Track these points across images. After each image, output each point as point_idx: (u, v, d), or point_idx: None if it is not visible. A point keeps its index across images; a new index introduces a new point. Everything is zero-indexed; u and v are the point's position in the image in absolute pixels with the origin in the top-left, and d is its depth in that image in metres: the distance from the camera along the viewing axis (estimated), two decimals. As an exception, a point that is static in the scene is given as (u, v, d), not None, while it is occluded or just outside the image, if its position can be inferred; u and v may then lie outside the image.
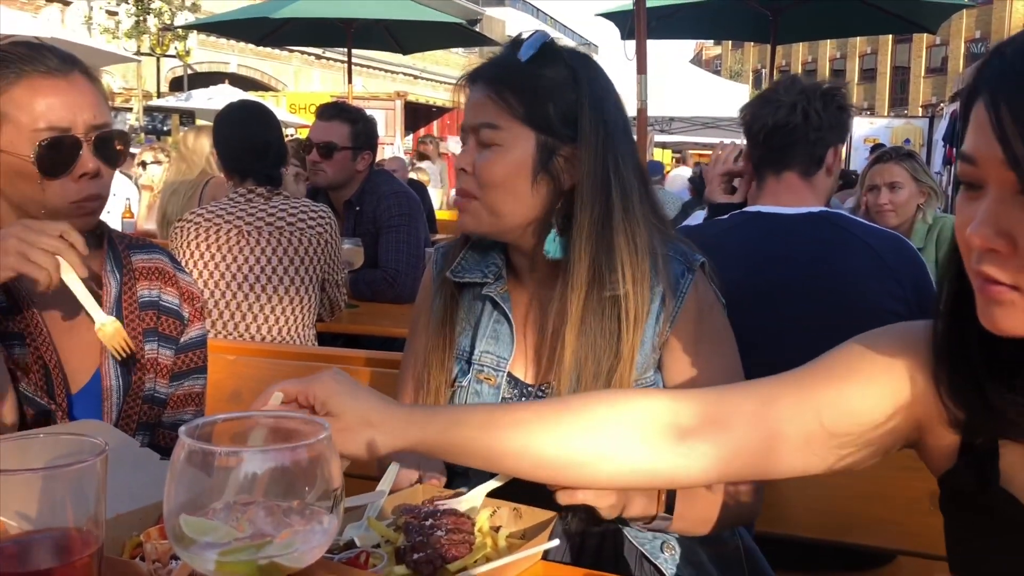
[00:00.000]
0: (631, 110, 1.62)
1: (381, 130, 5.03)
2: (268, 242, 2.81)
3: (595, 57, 1.60)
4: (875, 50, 51.50)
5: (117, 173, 1.56)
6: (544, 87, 1.40)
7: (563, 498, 1.15)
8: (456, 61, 37.53)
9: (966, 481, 0.98)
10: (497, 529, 1.16)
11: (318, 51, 30.06)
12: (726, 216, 2.26)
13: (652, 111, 5.40)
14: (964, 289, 0.91)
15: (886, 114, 38.26)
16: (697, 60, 56.76)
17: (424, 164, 10.93)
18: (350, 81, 9.44)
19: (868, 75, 52.51)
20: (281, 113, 14.46)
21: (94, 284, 1.55)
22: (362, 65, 28.96)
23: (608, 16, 7.66)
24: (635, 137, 1.54)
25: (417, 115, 18.94)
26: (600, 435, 1.06)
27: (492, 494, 1.20)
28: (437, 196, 9.81)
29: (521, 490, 1.15)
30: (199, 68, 25.56)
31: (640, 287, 1.38)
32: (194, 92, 17.79)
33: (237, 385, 2.19)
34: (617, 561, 1.38)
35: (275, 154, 2.99)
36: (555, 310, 1.41)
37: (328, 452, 0.76)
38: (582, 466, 1.07)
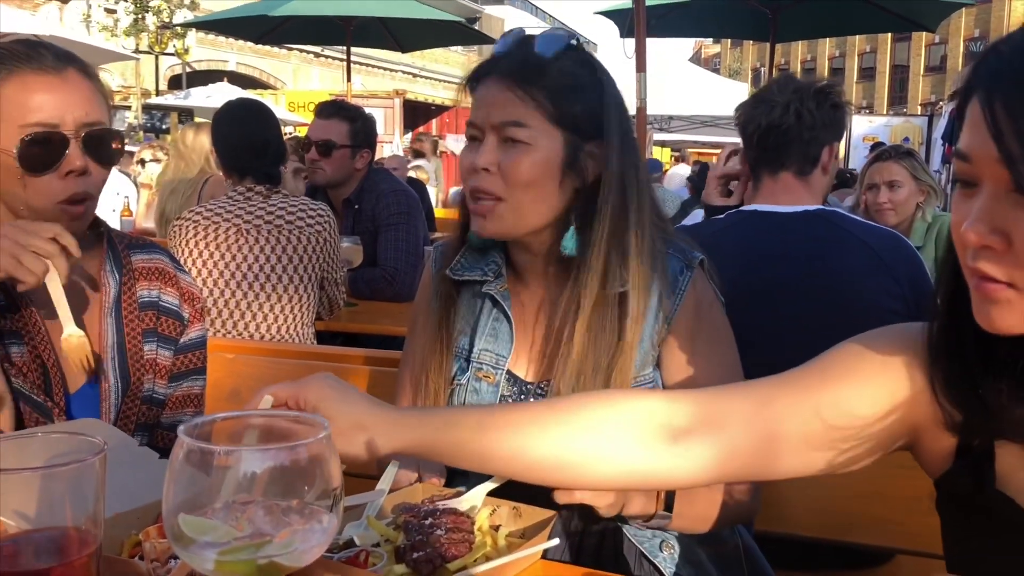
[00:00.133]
0: (630, 108, 1.62)
1: (380, 128, 5.02)
2: (267, 240, 2.81)
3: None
4: (874, 48, 51.50)
5: (116, 171, 1.55)
6: (570, 85, 1.40)
7: (561, 498, 1.15)
8: (455, 59, 37.51)
9: (962, 483, 0.98)
10: (497, 528, 1.16)
11: (317, 49, 30.05)
12: (722, 215, 2.26)
13: (651, 109, 5.40)
14: (960, 288, 0.91)
15: (885, 112, 38.30)
16: (696, 58, 56.76)
17: (420, 162, 10.92)
18: (349, 79, 9.44)
19: (867, 73, 52.52)
20: (280, 111, 14.44)
21: (89, 285, 1.55)
22: (361, 63, 28.95)
23: (607, 14, 7.67)
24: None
25: (416, 113, 18.92)
26: (594, 437, 1.05)
27: (491, 494, 1.20)
28: (433, 194, 9.80)
29: (521, 489, 1.15)
30: (198, 66, 25.53)
31: (642, 284, 1.39)
32: (193, 90, 17.78)
33: (236, 384, 2.19)
34: (617, 560, 1.38)
35: (274, 152, 2.99)
36: (564, 307, 1.41)
37: (327, 451, 0.76)
38: (575, 467, 1.07)
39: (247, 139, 2.95)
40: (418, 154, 11.75)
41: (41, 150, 1.40)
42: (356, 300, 3.48)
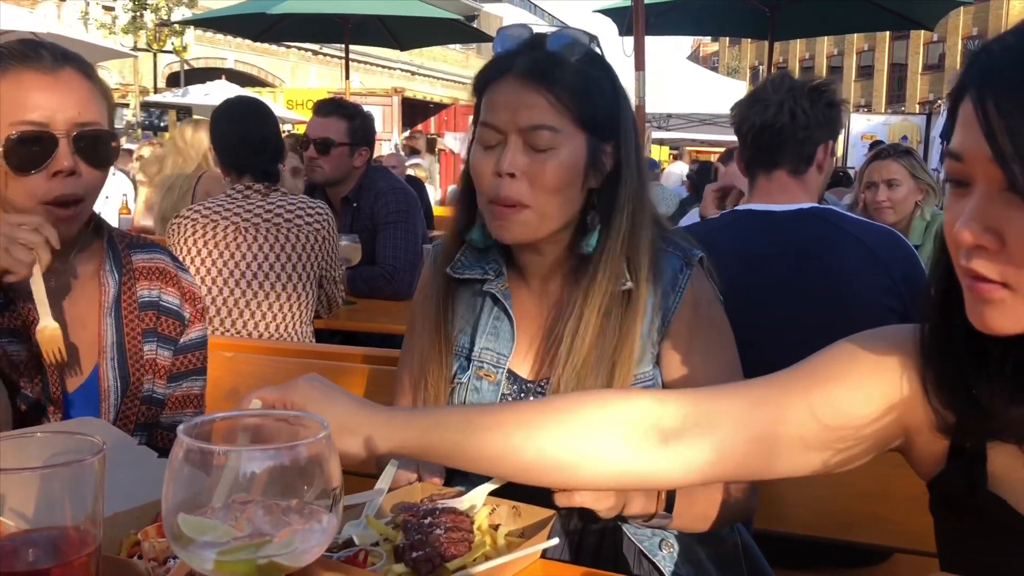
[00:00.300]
0: (629, 107, 1.64)
1: (378, 126, 5.02)
2: (265, 239, 2.80)
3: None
4: (872, 47, 51.52)
5: (114, 169, 1.55)
6: (590, 87, 1.39)
7: (561, 500, 1.15)
8: (453, 57, 37.49)
9: (955, 485, 0.98)
10: (496, 527, 1.16)
11: (315, 47, 30.04)
12: (717, 215, 2.27)
13: (649, 108, 5.40)
14: (953, 288, 0.91)
15: (883, 111, 38.30)
16: (694, 56, 56.75)
17: (419, 160, 10.91)
18: (347, 77, 9.44)
19: (865, 72, 52.53)
20: (278, 109, 14.42)
21: (88, 284, 1.54)
22: (359, 61, 28.93)
23: (606, 12, 7.66)
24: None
25: (414, 111, 18.90)
26: (584, 439, 1.05)
27: (492, 494, 1.20)
28: (430, 192, 9.79)
29: (521, 489, 1.15)
30: (196, 64, 25.52)
31: (645, 281, 1.39)
32: (191, 88, 17.76)
33: (235, 382, 2.19)
34: (616, 559, 1.38)
35: (272, 150, 2.98)
36: (571, 305, 1.40)
37: (327, 451, 0.76)
38: (566, 469, 1.06)
39: (246, 137, 2.94)
40: (413, 151, 11.74)
41: (28, 149, 1.38)
42: (355, 298, 3.48)
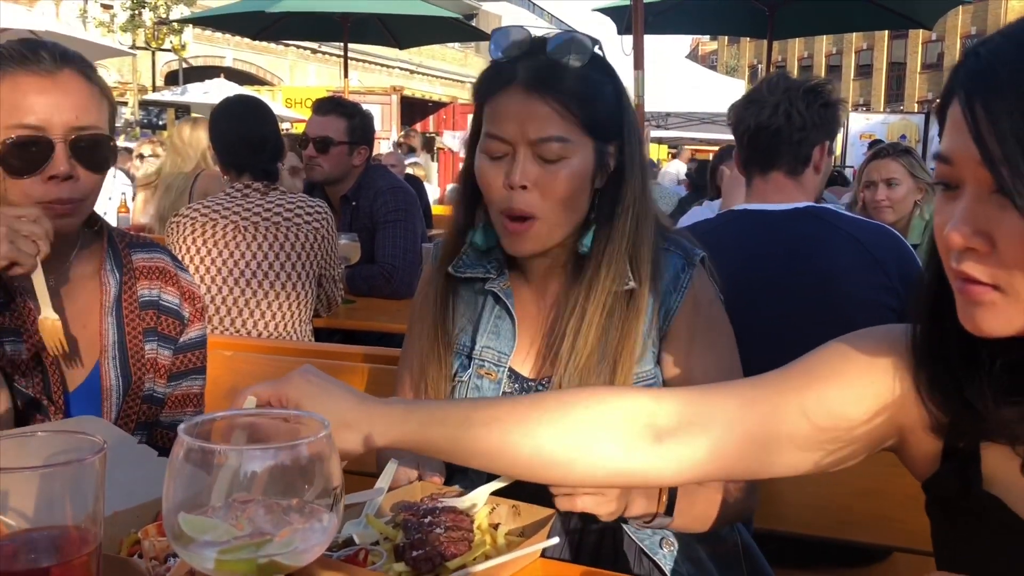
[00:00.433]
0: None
1: (377, 125, 5.01)
2: (264, 237, 2.80)
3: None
4: (871, 46, 51.50)
5: (114, 170, 1.54)
6: (595, 91, 1.39)
7: (562, 504, 1.15)
8: (452, 56, 37.49)
9: (950, 485, 0.98)
10: (496, 527, 1.16)
11: (314, 45, 30.00)
12: (713, 216, 2.27)
13: (648, 106, 5.39)
14: (943, 290, 0.91)
15: (882, 110, 38.32)
16: (693, 55, 56.73)
17: (418, 158, 10.91)
18: (346, 75, 9.43)
19: (864, 71, 52.52)
20: (277, 108, 14.37)
21: (88, 284, 1.54)
22: (358, 59, 28.91)
23: (605, 11, 7.66)
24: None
25: (413, 110, 18.90)
26: (575, 436, 1.05)
27: (495, 494, 1.20)
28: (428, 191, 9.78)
29: (521, 489, 1.15)
30: (194, 62, 25.50)
31: (647, 281, 1.39)
32: (189, 86, 17.74)
33: (234, 381, 2.19)
34: (616, 557, 1.38)
35: (272, 149, 2.98)
36: (573, 304, 1.40)
37: (328, 450, 0.76)
38: (558, 466, 1.06)
39: (245, 136, 2.94)
40: (409, 149, 11.74)
41: (24, 153, 1.38)
42: (354, 297, 3.48)
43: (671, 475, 1.06)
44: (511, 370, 1.47)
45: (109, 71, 20.90)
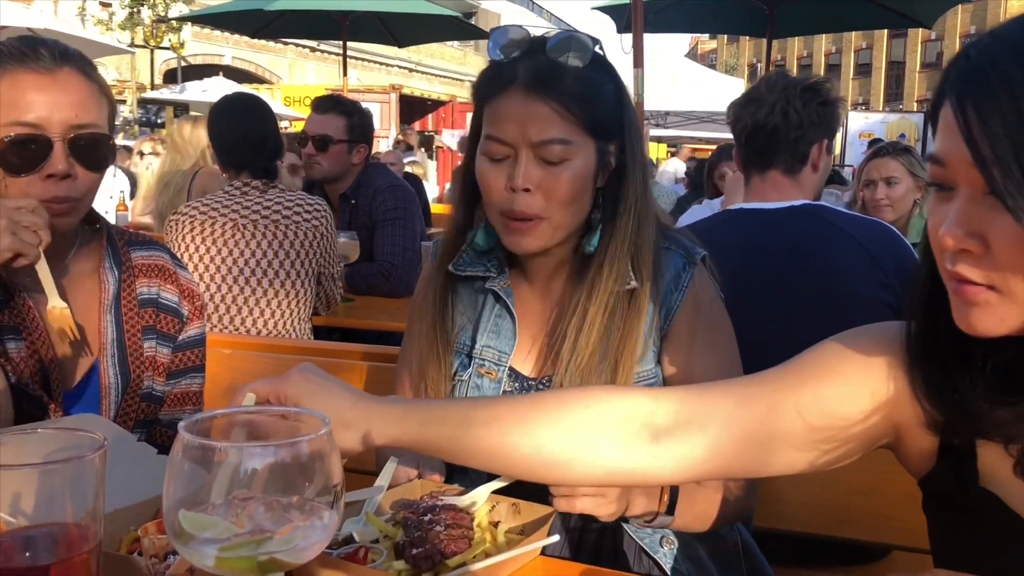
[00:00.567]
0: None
1: (376, 123, 5.01)
2: (263, 235, 2.80)
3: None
4: (870, 45, 51.48)
5: (114, 169, 1.54)
6: (596, 92, 1.39)
7: (561, 506, 1.15)
8: (451, 54, 37.47)
9: (946, 483, 0.98)
10: (496, 524, 1.16)
11: (313, 44, 29.98)
12: (710, 215, 2.28)
13: (647, 105, 5.39)
14: (937, 290, 0.91)
15: (881, 109, 38.34)
16: (692, 54, 56.71)
17: (417, 157, 10.91)
18: (345, 74, 9.43)
19: (863, 70, 52.51)
20: (276, 106, 14.36)
21: (87, 281, 1.54)
22: (357, 58, 28.91)
23: (604, 9, 7.66)
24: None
25: (412, 108, 18.91)
26: (574, 436, 1.05)
27: (495, 493, 1.20)
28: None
29: (521, 487, 1.15)
30: (193, 60, 25.48)
31: (648, 280, 1.39)
32: (188, 84, 17.73)
33: (233, 379, 2.18)
34: (616, 556, 1.39)
35: (271, 147, 2.98)
36: (575, 303, 1.40)
37: (328, 447, 0.76)
38: (555, 466, 1.06)
39: (244, 134, 2.94)
40: (407, 147, 11.75)
41: (23, 151, 1.37)
42: (353, 295, 3.48)
43: (669, 474, 1.07)
44: (511, 369, 1.47)
45: (108, 69, 20.88)
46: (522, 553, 1.09)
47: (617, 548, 1.39)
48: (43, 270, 1.37)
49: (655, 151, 18.89)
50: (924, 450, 1.01)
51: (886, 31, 45.15)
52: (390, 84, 18.72)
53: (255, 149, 2.91)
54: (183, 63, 22.21)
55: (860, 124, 17.01)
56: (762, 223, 2.13)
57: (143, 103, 20.45)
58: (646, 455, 1.04)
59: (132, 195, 6.10)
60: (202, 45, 26.35)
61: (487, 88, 1.41)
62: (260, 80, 27.95)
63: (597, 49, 1.40)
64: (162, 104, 19.44)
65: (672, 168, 12.34)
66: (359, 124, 3.69)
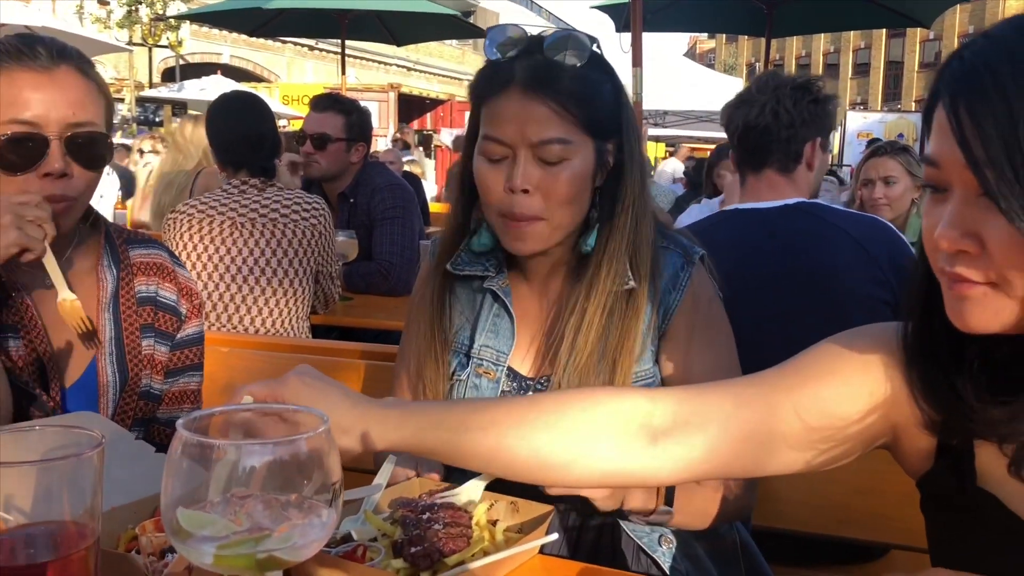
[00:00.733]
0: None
1: (375, 122, 5.00)
2: (262, 234, 2.80)
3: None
4: (869, 44, 51.51)
5: (108, 168, 1.54)
6: (594, 90, 1.38)
7: (555, 489, 1.15)
8: (450, 53, 37.46)
9: (944, 483, 0.98)
10: (494, 523, 1.16)
11: (311, 42, 29.98)
12: (705, 216, 2.28)
13: (646, 104, 5.39)
14: (933, 290, 0.91)
15: (880, 108, 38.37)
16: (691, 53, 56.70)
17: (415, 156, 10.91)
18: (343, 72, 9.41)
19: (862, 69, 52.55)
20: (274, 104, 14.39)
21: (85, 279, 1.54)
22: (356, 57, 28.89)
23: (603, 8, 7.66)
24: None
25: (411, 107, 18.90)
26: (572, 439, 1.05)
27: (488, 488, 1.20)
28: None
29: (518, 484, 1.14)
30: (191, 59, 25.48)
31: (647, 280, 1.39)
32: (186, 83, 17.71)
33: (231, 378, 2.18)
34: (614, 554, 1.38)
35: (269, 145, 2.97)
36: (573, 303, 1.40)
37: (327, 445, 0.75)
38: (553, 469, 1.06)
39: (242, 132, 2.94)
40: (404, 145, 11.74)
41: (19, 150, 1.37)
42: (351, 294, 3.48)
43: (667, 475, 1.07)
44: (510, 369, 1.47)
45: (105, 67, 20.86)
46: (520, 551, 1.09)
47: (615, 547, 1.39)
48: (51, 264, 1.37)
49: (653, 151, 18.89)
50: (922, 450, 1.01)
51: (885, 31, 45.18)
52: (388, 83, 18.73)
53: (253, 147, 2.91)
54: (181, 61, 22.20)
55: (858, 124, 17.03)
56: (756, 223, 2.13)
57: (141, 101, 20.44)
58: (644, 456, 1.04)
59: (128, 194, 6.10)
60: (200, 43, 26.33)
61: (484, 88, 1.40)
62: (258, 79, 27.94)
63: (595, 48, 1.39)
64: (160, 103, 19.44)
65: (670, 168, 12.33)
66: (358, 123, 3.69)
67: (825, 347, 1.06)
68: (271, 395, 1.03)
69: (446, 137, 14.37)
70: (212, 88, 14.90)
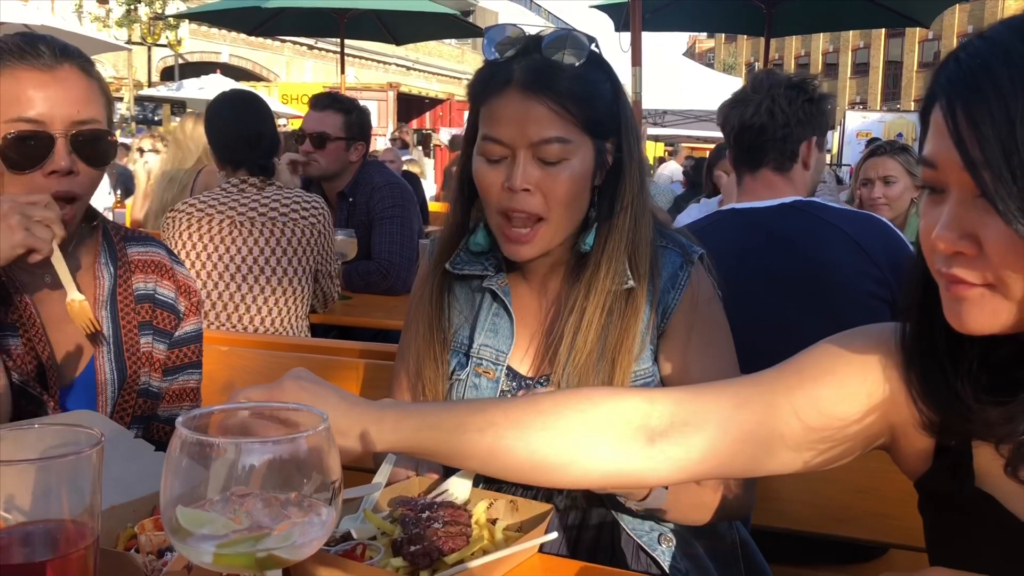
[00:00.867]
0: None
1: (374, 121, 4.99)
2: (261, 232, 2.80)
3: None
4: (868, 44, 51.52)
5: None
6: (592, 91, 1.38)
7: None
8: (449, 52, 37.45)
9: (943, 483, 0.98)
10: (494, 522, 1.16)
11: (310, 41, 29.99)
12: (701, 217, 2.28)
13: (645, 104, 5.39)
14: (931, 291, 0.91)
15: (879, 108, 38.38)
16: (690, 53, 56.73)
17: (414, 155, 10.91)
18: (343, 72, 9.40)
19: (861, 69, 52.56)
20: (273, 104, 14.41)
21: (83, 277, 1.54)
22: (355, 56, 28.89)
23: (602, 8, 7.66)
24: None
25: (410, 106, 18.90)
26: (569, 440, 1.05)
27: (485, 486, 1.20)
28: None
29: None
30: (191, 58, 25.47)
31: (646, 279, 1.39)
32: (185, 82, 17.72)
33: (230, 376, 2.18)
34: (614, 553, 1.38)
35: (268, 144, 2.97)
36: (572, 302, 1.40)
37: (326, 444, 0.75)
38: (551, 470, 1.06)
39: (241, 131, 2.93)
40: (403, 144, 11.74)
41: (25, 148, 1.37)
42: (350, 293, 3.48)
43: (666, 475, 1.07)
44: (509, 368, 1.47)
45: (104, 66, 20.85)
46: (520, 550, 1.09)
47: (615, 545, 1.39)
48: (60, 264, 1.37)
49: (652, 150, 18.90)
50: (920, 451, 1.01)
51: (884, 30, 45.19)
52: (388, 82, 18.73)
53: (252, 146, 2.91)
54: (180, 60, 22.19)
55: (858, 123, 17.04)
56: (751, 222, 2.13)
57: (140, 100, 20.44)
58: (642, 457, 1.04)
59: (127, 192, 6.10)
60: (199, 42, 26.32)
61: (483, 88, 1.40)
62: (257, 78, 27.94)
63: (593, 47, 1.39)
64: (159, 101, 19.44)
65: (669, 171, 12.31)
66: (357, 121, 3.69)
67: (824, 348, 1.06)
68: (267, 399, 1.03)
69: (445, 136, 14.38)
70: (211, 87, 14.90)
